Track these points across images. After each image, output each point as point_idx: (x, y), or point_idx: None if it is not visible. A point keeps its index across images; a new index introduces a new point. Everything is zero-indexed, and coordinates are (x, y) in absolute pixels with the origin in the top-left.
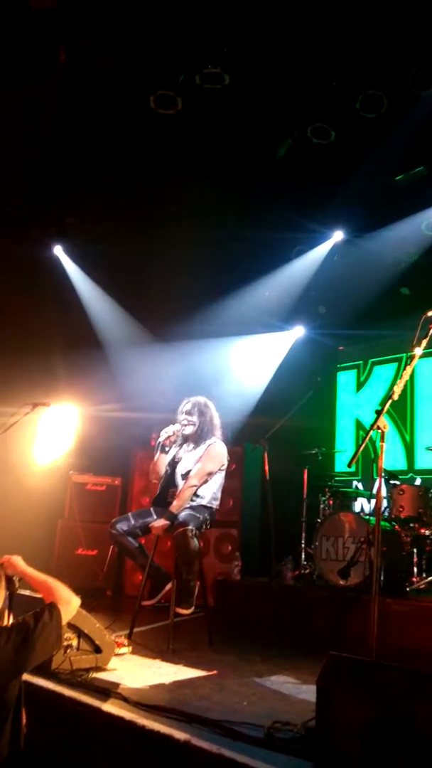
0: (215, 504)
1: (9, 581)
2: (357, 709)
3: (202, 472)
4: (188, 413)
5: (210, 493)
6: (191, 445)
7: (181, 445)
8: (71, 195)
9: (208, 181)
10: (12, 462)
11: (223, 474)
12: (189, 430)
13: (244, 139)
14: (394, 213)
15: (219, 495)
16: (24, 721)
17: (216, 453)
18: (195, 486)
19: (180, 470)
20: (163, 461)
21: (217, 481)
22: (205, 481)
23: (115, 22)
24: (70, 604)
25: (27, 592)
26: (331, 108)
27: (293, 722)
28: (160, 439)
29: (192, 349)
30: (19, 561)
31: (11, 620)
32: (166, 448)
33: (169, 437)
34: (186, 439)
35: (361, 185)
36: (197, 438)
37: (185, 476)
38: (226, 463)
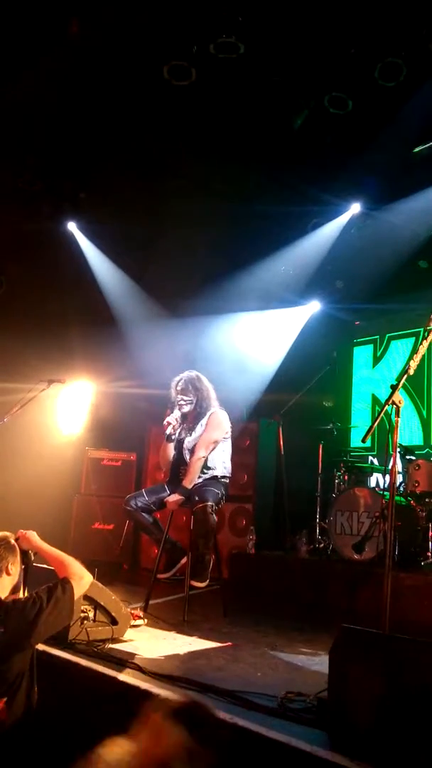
0: (227, 472)
1: (24, 555)
2: (369, 681)
3: (208, 441)
4: (183, 392)
5: (220, 462)
6: (193, 422)
7: (182, 425)
8: (84, 170)
9: (223, 153)
10: (29, 438)
11: (229, 441)
12: (187, 408)
13: (259, 110)
14: (413, 185)
15: (229, 463)
16: (35, 687)
17: (218, 421)
18: (203, 457)
19: (187, 446)
20: (170, 448)
21: (225, 449)
22: (213, 450)
23: None
24: (82, 579)
25: (42, 566)
26: (349, 76)
27: (306, 693)
28: (167, 432)
29: (207, 325)
30: (34, 536)
31: (26, 593)
32: (173, 437)
33: (173, 426)
34: (186, 417)
35: (379, 156)
36: (197, 414)
37: (192, 450)
38: (229, 430)
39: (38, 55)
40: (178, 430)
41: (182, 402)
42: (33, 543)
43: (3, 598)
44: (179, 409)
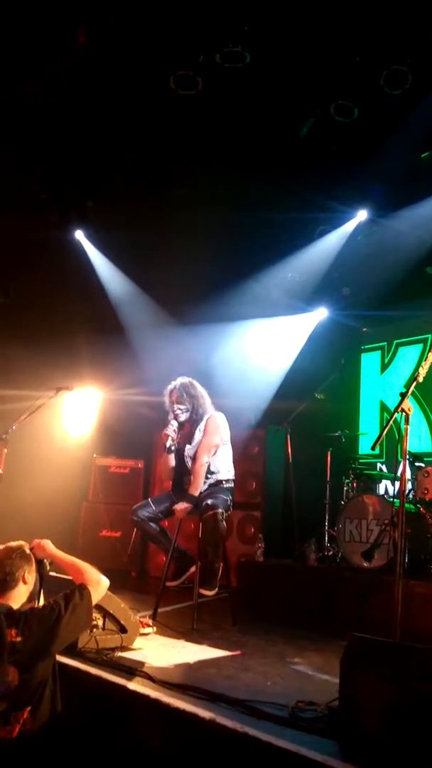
0: (231, 475)
1: (40, 564)
2: (380, 690)
3: (209, 446)
4: (178, 401)
5: (223, 466)
6: (191, 429)
7: (180, 433)
8: (90, 179)
9: (230, 162)
10: (37, 446)
11: (229, 444)
12: (184, 417)
13: (265, 118)
14: (419, 191)
15: (232, 466)
16: (59, 695)
17: (216, 424)
18: (206, 462)
19: (188, 454)
20: (171, 459)
21: (226, 452)
22: (214, 454)
23: (134, 1)
24: (99, 585)
25: (57, 575)
26: (355, 85)
27: (317, 702)
28: (167, 444)
29: (214, 332)
30: (48, 544)
31: (42, 601)
32: (172, 448)
33: (172, 438)
34: (183, 425)
35: (385, 164)
36: (194, 420)
37: (194, 458)
38: (228, 432)
39: (45, 64)
40: (177, 440)
41: (178, 411)
42: (48, 551)
43: (20, 606)
44: (176, 419)
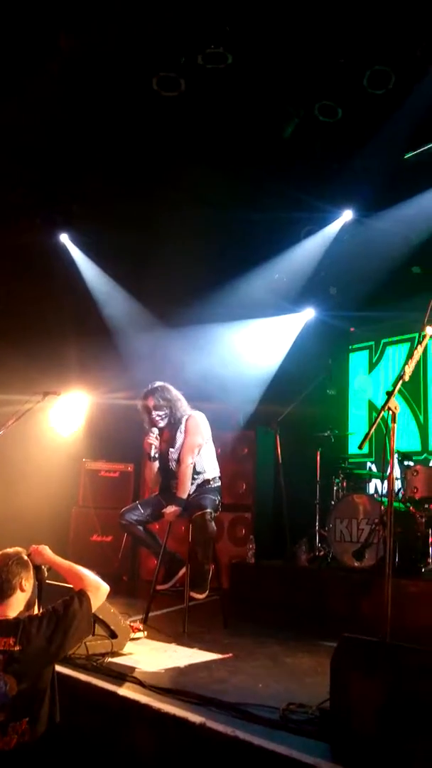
0: (217, 473)
1: (38, 570)
2: (371, 691)
3: (191, 446)
4: (156, 408)
5: (208, 465)
6: (171, 433)
7: (162, 438)
8: (75, 182)
9: (215, 163)
10: (25, 451)
11: (211, 443)
12: (163, 423)
13: (249, 119)
14: (404, 191)
15: (216, 464)
16: (57, 704)
17: (195, 423)
18: (191, 463)
19: (172, 457)
20: (154, 466)
21: (209, 450)
22: (198, 454)
23: (114, 4)
24: (99, 590)
25: (55, 582)
26: (338, 85)
27: (308, 704)
28: (151, 453)
29: (202, 334)
30: (46, 550)
31: (40, 610)
32: (156, 456)
33: (155, 446)
34: (163, 431)
35: (370, 164)
36: (173, 423)
37: (178, 460)
38: (209, 430)
39: (27, 69)
40: (159, 447)
41: (157, 418)
42: (46, 557)
43: (18, 615)
44: (155, 425)
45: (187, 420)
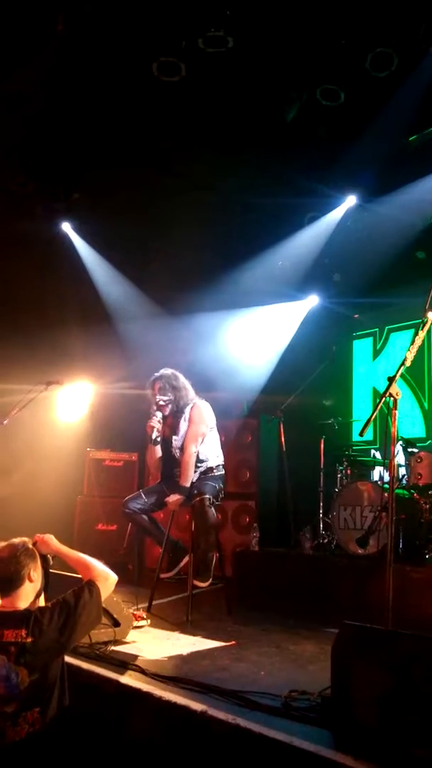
0: (220, 461)
1: (44, 560)
2: (373, 678)
3: (195, 435)
4: (161, 392)
5: (212, 453)
6: (175, 420)
7: (165, 425)
8: (76, 169)
9: (217, 149)
10: (29, 440)
11: (215, 431)
12: (168, 408)
13: (250, 104)
14: (408, 175)
15: (221, 452)
16: (66, 692)
17: (200, 412)
18: (194, 452)
19: (176, 445)
20: (156, 450)
21: (214, 439)
22: (202, 442)
23: None
24: (107, 580)
25: (60, 571)
26: (340, 68)
27: (310, 691)
28: (152, 436)
29: (205, 322)
30: (52, 539)
31: (46, 599)
32: (158, 439)
33: (157, 429)
34: (167, 417)
35: (374, 148)
36: (177, 411)
37: (182, 449)
38: (213, 419)
39: (26, 55)
40: (162, 432)
41: (162, 403)
42: (52, 546)
43: (28, 606)
44: (160, 410)
45: (191, 408)
